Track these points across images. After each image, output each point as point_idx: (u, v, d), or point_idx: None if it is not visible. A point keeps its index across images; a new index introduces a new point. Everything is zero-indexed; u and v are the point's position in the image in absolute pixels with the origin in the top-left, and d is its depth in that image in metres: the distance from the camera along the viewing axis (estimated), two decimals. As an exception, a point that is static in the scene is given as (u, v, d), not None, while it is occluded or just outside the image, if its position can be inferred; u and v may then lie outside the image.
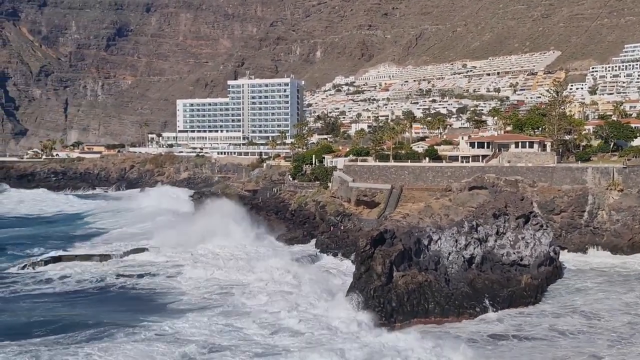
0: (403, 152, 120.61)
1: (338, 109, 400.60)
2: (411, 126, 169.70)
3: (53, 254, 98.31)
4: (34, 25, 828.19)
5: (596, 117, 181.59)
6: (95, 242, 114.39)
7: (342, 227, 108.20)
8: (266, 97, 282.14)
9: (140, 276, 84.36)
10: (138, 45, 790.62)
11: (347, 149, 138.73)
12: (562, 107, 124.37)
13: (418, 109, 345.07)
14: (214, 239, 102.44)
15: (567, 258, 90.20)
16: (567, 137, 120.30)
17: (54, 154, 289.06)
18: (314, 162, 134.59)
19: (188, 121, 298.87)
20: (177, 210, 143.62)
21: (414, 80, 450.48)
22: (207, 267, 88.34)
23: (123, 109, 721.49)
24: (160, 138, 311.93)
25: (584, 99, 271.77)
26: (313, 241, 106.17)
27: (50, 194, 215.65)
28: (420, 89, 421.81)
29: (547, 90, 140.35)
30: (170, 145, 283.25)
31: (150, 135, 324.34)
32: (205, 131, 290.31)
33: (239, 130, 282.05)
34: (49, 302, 73.56)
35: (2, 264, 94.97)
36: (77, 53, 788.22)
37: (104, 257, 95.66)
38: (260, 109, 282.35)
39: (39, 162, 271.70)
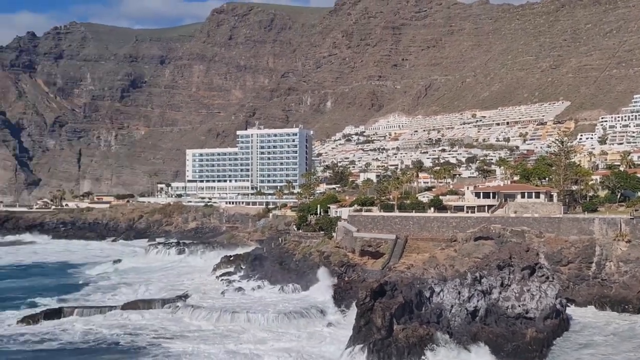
0: (408, 202, 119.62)
1: (348, 158, 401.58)
2: (417, 176, 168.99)
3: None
4: (49, 77, 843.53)
5: (604, 167, 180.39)
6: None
7: (345, 278, 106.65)
8: (275, 146, 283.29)
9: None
10: (152, 96, 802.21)
11: (353, 199, 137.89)
12: (569, 157, 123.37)
13: (427, 158, 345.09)
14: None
15: (574, 311, 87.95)
16: (574, 188, 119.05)
17: (64, 204, 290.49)
18: (318, 212, 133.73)
19: (197, 171, 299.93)
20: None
21: (424, 130, 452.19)
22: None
23: (136, 159, 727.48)
24: (170, 188, 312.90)
25: (593, 148, 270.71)
26: (313, 288, 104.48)
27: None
28: (429, 139, 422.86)
29: (553, 141, 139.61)
30: (179, 195, 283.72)
31: (159, 185, 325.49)
32: (214, 181, 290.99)
33: (248, 180, 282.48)
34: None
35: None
36: (91, 104, 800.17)
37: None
38: (269, 158, 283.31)
39: (48, 213, 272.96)
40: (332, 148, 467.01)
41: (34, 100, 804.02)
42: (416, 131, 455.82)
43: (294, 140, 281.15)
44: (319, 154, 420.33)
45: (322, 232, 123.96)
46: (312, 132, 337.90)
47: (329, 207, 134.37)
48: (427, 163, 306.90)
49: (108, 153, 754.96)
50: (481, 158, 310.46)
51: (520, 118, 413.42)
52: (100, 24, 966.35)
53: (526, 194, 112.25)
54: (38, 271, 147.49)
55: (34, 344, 78.96)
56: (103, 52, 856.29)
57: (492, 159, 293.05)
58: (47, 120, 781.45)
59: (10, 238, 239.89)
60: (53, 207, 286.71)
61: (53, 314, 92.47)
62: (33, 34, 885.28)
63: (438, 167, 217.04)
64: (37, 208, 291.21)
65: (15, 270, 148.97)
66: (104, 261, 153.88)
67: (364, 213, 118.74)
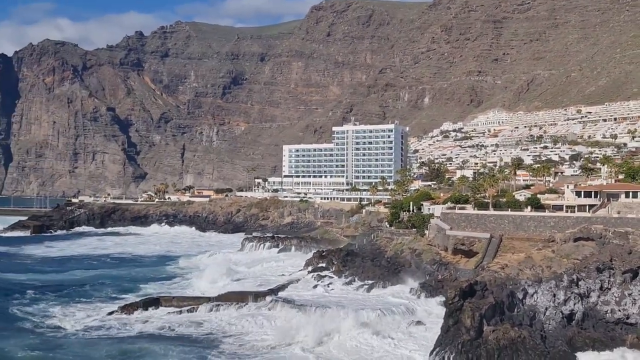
0: (504, 200, 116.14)
1: (445, 155, 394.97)
2: (515, 173, 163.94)
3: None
4: (156, 75, 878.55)
5: None
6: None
7: (438, 277, 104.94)
8: (370, 143, 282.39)
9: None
10: (252, 93, 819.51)
11: (446, 197, 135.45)
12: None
13: (528, 155, 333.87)
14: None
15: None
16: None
17: (167, 197, 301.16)
18: (411, 209, 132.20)
19: (293, 166, 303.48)
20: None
21: (525, 126, 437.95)
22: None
23: (236, 154, 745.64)
24: (267, 183, 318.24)
25: None
26: (404, 286, 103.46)
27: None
28: (531, 135, 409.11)
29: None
30: (276, 190, 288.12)
31: (257, 180, 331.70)
32: (309, 176, 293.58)
33: (343, 176, 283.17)
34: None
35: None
36: (194, 101, 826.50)
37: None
38: (364, 154, 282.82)
39: (152, 205, 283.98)
40: (429, 144, 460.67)
41: (141, 97, 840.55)
42: (517, 127, 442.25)
43: (389, 137, 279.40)
44: (416, 151, 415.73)
45: (414, 229, 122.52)
46: (408, 129, 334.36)
47: (422, 204, 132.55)
48: (528, 160, 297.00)
49: (210, 148, 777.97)
50: (586, 156, 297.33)
51: (628, 114, 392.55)
52: (203, 22, 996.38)
53: (631, 193, 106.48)
54: (137, 261, 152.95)
55: (129, 333, 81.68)
56: (206, 50, 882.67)
57: (597, 157, 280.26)
58: (154, 117, 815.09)
59: (116, 229, 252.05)
60: (156, 200, 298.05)
61: (151, 303, 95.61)
62: (141, 33, 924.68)
63: (537, 165, 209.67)
64: (141, 201, 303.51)
65: (115, 260, 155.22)
66: (200, 253, 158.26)
67: (457, 211, 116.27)
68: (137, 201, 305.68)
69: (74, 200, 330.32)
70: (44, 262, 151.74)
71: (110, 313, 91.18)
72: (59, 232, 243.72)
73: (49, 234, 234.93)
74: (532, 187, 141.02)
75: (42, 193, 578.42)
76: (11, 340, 76.49)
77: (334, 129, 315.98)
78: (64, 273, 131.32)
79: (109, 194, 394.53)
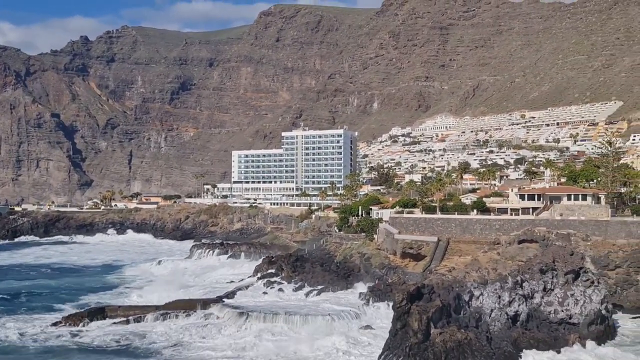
0: (450, 204, 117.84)
1: (394, 159, 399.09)
2: (462, 177, 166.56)
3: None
4: (102, 80, 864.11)
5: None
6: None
7: (387, 280, 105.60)
8: (319, 148, 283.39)
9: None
10: (200, 98, 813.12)
11: (395, 201, 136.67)
12: (618, 159, 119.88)
13: (475, 159, 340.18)
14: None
15: (621, 317, 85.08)
16: (622, 190, 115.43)
17: (113, 204, 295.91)
18: (360, 214, 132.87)
19: (243, 172, 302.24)
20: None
21: (471, 131, 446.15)
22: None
23: (185, 160, 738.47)
24: (216, 189, 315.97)
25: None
26: (352, 290, 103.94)
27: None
28: (477, 140, 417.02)
29: (601, 142, 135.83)
30: (225, 196, 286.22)
31: (206, 186, 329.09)
32: (259, 182, 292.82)
33: (293, 181, 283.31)
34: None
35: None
36: (142, 106, 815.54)
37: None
38: (313, 159, 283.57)
39: (97, 213, 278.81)
40: (378, 149, 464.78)
41: (87, 102, 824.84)
42: (463, 132, 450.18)
43: (338, 142, 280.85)
44: (365, 155, 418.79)
45: (363, 233, 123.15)
46: (357, 134, 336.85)
47: (371, 209, 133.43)
48: (475, 165, 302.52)
49: (158, 154, 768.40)
50: (530, 159, 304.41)
51: (571, 119, 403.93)
52: (151, 27, 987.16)
53: (572, 196, 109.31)
54: (80, 271, 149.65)
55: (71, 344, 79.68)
56: (153, 55, 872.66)
57: (541, 161, 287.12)
58: (100, 123, 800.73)
59: (61, 238, 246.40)
60: (103, 207, 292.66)
61: (96, 313, 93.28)
62: (86, 38, 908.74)
63: (483, 169, 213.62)
64: (87, 208, 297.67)
65: (56, 270, 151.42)
66: (147, 261, 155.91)
67: (405, 215, 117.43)
68: (82, 209, 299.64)
69: (17, 208, 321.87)
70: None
71: (55, 324, 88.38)
72: (1, 241, 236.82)
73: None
74: (478, 191, 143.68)
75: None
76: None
77: (283, 134, 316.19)
78: (5, 282, 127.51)
79: (53, 202, 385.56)
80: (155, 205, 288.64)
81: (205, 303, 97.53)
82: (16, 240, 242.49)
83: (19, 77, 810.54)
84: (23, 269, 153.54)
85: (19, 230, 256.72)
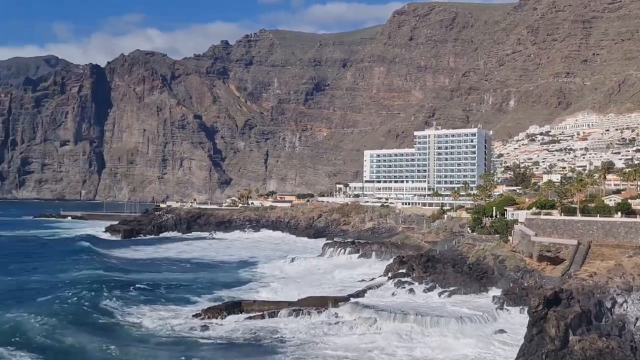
0: (592, 205, 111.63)
1: (531, 159, 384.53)
2: (605, 178, 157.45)
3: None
4: (240, 83, 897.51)
5: None
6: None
7: (522, 284, 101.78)
8: (452, 147, 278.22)
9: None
10: (334, 98, 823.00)
11: (531, 202, 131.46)
12: None
13: (620, 159, 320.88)
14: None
15: None
16: None
17: (250, 202, 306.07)
18: (494, 215, 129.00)
19: (375, 171, 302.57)
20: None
21: (616, 129, 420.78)
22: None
23: (318, 160, 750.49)
24: (348, 188, 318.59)
25: None
26: (485, 293, 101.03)
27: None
28: (622, 138, 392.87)
29: None
30: (357, 195, 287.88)
31: (338, 185, 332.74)
32: (391, 181, 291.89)
33: (424, 181, 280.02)
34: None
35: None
36: (277, 107, 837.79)
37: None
38: (446, 159, 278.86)
39: (235, 210, 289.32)
40: (514, 148, 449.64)
41: (226, 104, 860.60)
42: (607, 130, 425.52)
43: (472, 141, 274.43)
44: (500, 155, 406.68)
45: (497, 235, 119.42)
46: (492, 132, 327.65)
47: (506, 210, 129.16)
48: (619, 164, 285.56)
49: (292, 154, 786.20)
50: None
51: None
52: (286, 30, 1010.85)
53: None
54: (217, 267, 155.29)
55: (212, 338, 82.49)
56: (289, 58, 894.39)
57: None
58: (238, 123, 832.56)
59: (201, 234, 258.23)
60: (240, 205, 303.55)
61: (233, 307, 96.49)
62: (226, 42, 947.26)
63: (629, 169, 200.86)
64: (225, 206, 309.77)
65: (194, 265, 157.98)
66: (280, 258, 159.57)
67: (542, 216, 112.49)
68: (221, 206, 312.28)
69: (162, 205, 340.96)
70: (131, 264, 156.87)
71: (195, 315, 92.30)
72: (148, 236, 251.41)
73: (138, 238, 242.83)
74: (622, 192, 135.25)
75: (133, 198, 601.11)
76: (93, 333, 79.64)
77: (415, 133, 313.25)
78: (148, 274, 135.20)
79: (195, 199, 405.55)
80: (289, 204, 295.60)
81: (337, 301, 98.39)
82: (161, 235, 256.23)
83: (165, 81, 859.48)
84: (165, 262, 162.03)
85: (164, 226, 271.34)
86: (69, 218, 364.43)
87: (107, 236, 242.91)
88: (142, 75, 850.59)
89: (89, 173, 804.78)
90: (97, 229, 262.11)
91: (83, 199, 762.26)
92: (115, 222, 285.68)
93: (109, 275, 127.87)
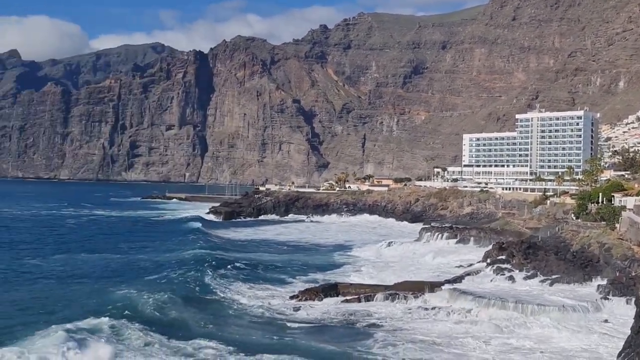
0: None
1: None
2: None
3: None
4: (338, 67, 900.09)
5: None
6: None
7: (630, 273, 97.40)
8: (557, 130, 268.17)
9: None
10: (432, 81, 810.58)
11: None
12: None
13: None
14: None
15: None
16: None
17: (347, 186, 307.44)
18: (600, 201, 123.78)
19: (474, 155, 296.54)
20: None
21: None
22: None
23: (416, 144, 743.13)
24: (446, 172, 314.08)
25: None
26: (589, 282, 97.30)
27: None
28: None
29: None
30: (455, 180, 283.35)
31: (436, 170, 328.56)
32: (491, 166, 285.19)
33: (526, 165, 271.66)
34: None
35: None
36: (375, 91, 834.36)
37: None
38: (549, 143, 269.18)
39: (332, 194, 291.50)
40: (624, 132, 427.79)
41: (324, 88, 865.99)
42: None
43: (577, 124, 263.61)
44: (608, 139, 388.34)
45: (603, 222, 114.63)
46: (599, 115, 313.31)
47: (613, 196, 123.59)
48: None
49: (390, 138, 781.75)
50: None
51: None
52: (385, 13, 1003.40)
53: None
54: (312, 250, 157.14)
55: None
56: (387, 41, 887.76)
57: None
58: (336, 107, 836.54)
59: (299, 217, 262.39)
60: (337, 188, 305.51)
61: (330, 289, 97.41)
62: (325, 26, 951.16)
63: None
64: (323, 189, 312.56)
65: (291, 247, 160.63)
66: (376, 242, 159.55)
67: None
68: (319, 190, 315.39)
69: (262, 188, 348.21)
70: (232, 244, 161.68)
71: (292, 297, 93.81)
72: (247, 218, 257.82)
73: (238, 220, 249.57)
74: None
75: (234, 181, 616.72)
76: (197, 308, 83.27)
77: (517, 116, 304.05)
78: (247, 254, 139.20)
79: (293, 183, 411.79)
80: (386, 188, 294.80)
81: (433, 286, 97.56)
82: (260, 217, 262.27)
83: (265, 66, 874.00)
84: (262, 244, 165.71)
85: (262, 208, 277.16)
86: (174, 200, 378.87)
87: (211, 217, 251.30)
88: (243, 60, 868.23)
89: (192, 156, 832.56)
90: (201, 210, 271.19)
91: (187, 181, 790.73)
92: (217, 204, 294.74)
93: (212, 254, 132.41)
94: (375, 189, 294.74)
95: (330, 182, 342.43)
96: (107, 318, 70.99)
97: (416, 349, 68.34)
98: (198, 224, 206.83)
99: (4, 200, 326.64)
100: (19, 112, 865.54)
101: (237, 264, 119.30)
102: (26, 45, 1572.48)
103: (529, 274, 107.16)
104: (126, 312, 75.26)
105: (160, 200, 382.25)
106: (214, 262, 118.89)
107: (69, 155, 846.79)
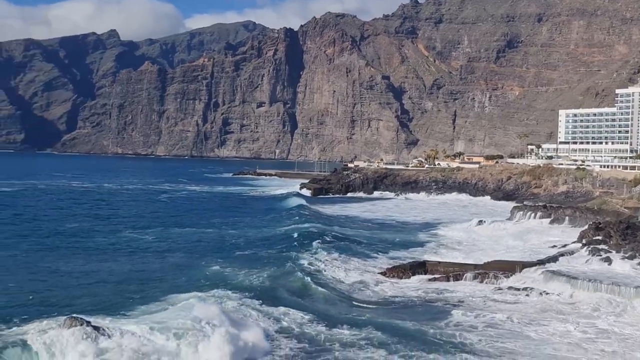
0: None
1: None
2: None
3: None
4: (429, 42, 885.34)
5: None
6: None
7: None
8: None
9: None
10: (527, 55, 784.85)
11: None
12: None
13: None
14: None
15: None
16: None
17: (436, 163, 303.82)
18: None
19: (570, 132, 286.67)
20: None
21: None
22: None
23: (509, 120, 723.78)
24: (540, 149, 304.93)
25: None
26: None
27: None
28: None
29: None
30: (550, 157, 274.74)
31: (529, 147, 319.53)
32: (588, 143, 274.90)
33: (626, 142, 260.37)
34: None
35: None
36: (467, 66, 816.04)
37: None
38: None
39: (422, 171, 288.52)
40: None
41: (414, 64, 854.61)
42: None
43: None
44: None
45: None
46: None
47: None
48: None
49: (481, 114, 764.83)
50: None
51: None
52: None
53: None
54: (398, 227, 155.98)
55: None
56: (480, 14, 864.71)
57: None
58: (426, 83, 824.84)
59: (387, 194, 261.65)
60: (426, 165, 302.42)
61: (418, 267, 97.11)
62: (416, 1, 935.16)
63: None
64: (412, 166, 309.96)
65: (376, 224, 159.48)
66: (466, 221, 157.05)
67: None
68: (407, 167, 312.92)
69: (350, 165, 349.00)
70: (324, 219, 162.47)
71: (382, 274, 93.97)
72: (336, 195, 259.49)
73: (327, 197, 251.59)
74: None
75: (323, 158, 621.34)
76: (285, 279, 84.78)
77: (617, 91, 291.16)
78: (336, 228, 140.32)
79: (382, 159, 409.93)
80: (477, 165, 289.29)
81: (525, 266, 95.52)
82: (348, 195, 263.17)
83: (354, 42, 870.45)
84: (348, 220, 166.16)
85: (351, 185, 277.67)
86: (265, 176, 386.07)
87: (304, 192, 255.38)
88: (333, 37, 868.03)
89: (282, 133, 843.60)
90: (291, 187, 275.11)
91: (277, 158, 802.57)
92: (306, 181, 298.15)
93: (307, 228, 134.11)
94: (466, 166, 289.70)
95: (419, 159, 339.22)
96: (208, 287, 74.85)
97: (498, 331, 66.50)
98: (300, 200, 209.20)
99: (107, 176, 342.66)
100: (118, 91, 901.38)
101: (327, 238, 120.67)
102: (125, 26, 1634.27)
103: (627, 255, 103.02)
104: (223, 282, 78.19)
105: (250, 176, 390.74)
106: (307, 237, 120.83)
107: (164, 132, 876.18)
